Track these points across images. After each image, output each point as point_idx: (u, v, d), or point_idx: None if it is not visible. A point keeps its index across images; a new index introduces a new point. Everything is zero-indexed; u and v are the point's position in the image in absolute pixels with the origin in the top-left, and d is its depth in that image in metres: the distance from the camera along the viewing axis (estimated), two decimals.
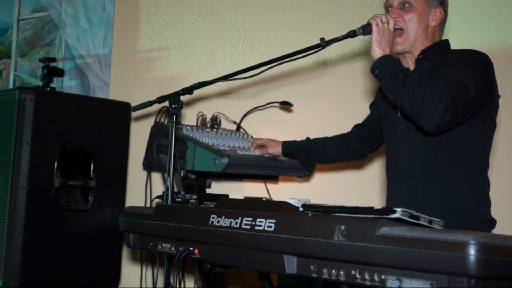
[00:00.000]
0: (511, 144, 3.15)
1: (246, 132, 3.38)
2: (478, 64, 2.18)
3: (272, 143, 2.94)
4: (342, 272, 1.56)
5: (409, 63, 2.37)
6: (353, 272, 1.54)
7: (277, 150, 2.92)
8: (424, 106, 2.02)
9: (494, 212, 2.28)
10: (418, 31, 2.32)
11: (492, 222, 2.24)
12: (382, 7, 2.47)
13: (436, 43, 2.36)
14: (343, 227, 1.56)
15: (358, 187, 3.40)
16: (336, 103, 3.52)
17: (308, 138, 2.91)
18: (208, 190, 3.21)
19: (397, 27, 2.29)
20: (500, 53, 3.03)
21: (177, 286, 3.22)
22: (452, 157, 2.22)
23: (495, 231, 2.22)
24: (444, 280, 1.37)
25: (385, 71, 2.13)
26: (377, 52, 2.18)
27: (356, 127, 2.80)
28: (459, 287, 1.34)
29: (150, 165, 3.11)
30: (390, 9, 2.36)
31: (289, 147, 2.91)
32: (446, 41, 2.40)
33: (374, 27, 2.21)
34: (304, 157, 2.90)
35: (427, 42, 2.35)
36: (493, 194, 2.30)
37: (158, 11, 4.11)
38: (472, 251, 1.32)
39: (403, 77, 2.10)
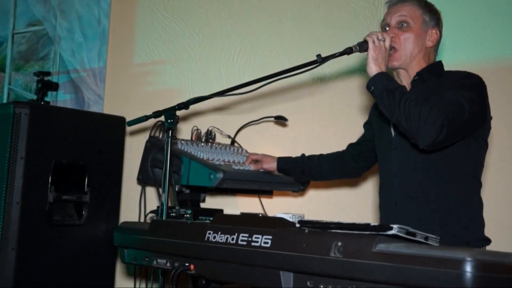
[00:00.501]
0: (502, 164, 3.18)
1: (241, 147, 3.39)
2: (472, 86, 2.20)
3: (267, 159, 2.94)
4: None
5: (403, 82, 2.38)
6: None
7: (272, 165, 2.92)
8: (420, 124, 2.03)
9: (488, 231, 2.29)
10: (415, 50, 2.33)
11: (486, 241, 2.25)
12: (377, 23, 2.49)
13: (431, 65, 2.38)
14: (340, 244, 1.57)
15: (352, 203, 3.40)
16: (331, 119, 3.53)
17: (303, 155, 2.91)
18: (202, 205, 3.21)
19: (394, 46, 2.31)
20: (491, 68, 3.06)
21: None
22: (446, 176, 2.23)
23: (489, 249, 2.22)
24: None
25: (381, 88, 2.14)
26: (374, 69, 2.19)
27: (351, 146, 2.81)
28: None
29: (144, 179, 3.11)
30: (387, 28, 2.37)
31: (284, 163, 2.92)
32: (440, 63, 2.41)
33: (370, 44, 2.22)
34: (299, 174, 2.91)
35: (423, 63, 2.36)
36: (485, 213, 2.32)
37: (153, 25, 4.13)
38: (468, 268, 1.33)
39: (400, 94, 2.11)
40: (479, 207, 2.28)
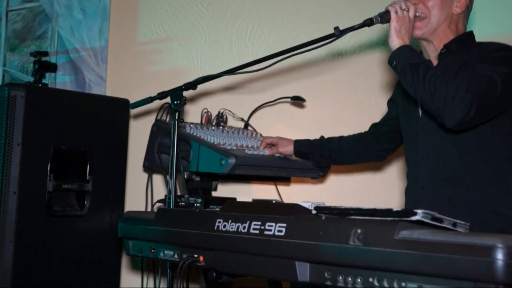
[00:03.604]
0: None
1: (255, 130, 3.39)
2: (506, 59, 2.17)
3: (283, 142, 2.94)
4: (359, 280, 1.57)
5: (431, 55, 2.37)
6: (370, 279, 1.54)
7: (288, 149, 2.92)
8: (447, 101, 2.01)
9: None
10: (441, 18, 2.31)
11: None
12: None
13: (460, 36, 2.36)
14: (359, 231, 1.57)
15: (376, 189, 3.40)
16: (351, 98, 3.52)
17: (322, 137, 2.91)
18: (214, 193, 3.22)
19: (418, 14, 2.30)
20: None
21: None
22: (477, 158, 2.23)
23: None
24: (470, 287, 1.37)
25: (405, 62, 2.13)
26: (396, 42, 2.18)
27: (374, 126, 2.81)
28: None
29: (151, 166, 3.12)
30: None
31: (301, 146, 2.92)
32: (471, 33, 2.39)
33: (393, 15, 2.21)
34: (318, 157, 2.91)
35: (450, 33, 2.34)
36: None
37: (159, 0, 4.13)
38: (500, 256, 1.32)
39: (424, 69, 2.09)
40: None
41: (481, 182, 2.22)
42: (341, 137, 2.86)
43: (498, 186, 2.23)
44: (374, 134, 2.78)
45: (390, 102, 2.74)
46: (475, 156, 2.22)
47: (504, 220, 2.20)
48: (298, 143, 2.92)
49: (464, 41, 2.35)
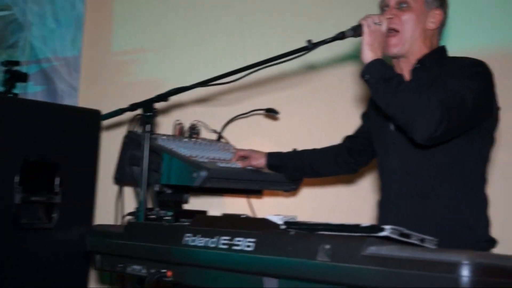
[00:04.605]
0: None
1: (228, 142, 3.38)
2: (478, 74, 2.19)
3: (255, 155, 2.94)
4: None
5: (404, 70, 2.38)
6: None
7: (261, 162, 2.92)
8: (417, 116, 2.03)
9: (495, 232, 2.30)
10: (415, 33, 2.33)
11: (492, 242, 2.26)
12: (377, 5, 2.48)
13: (434, 51, 2.38)
14: (327, 247, 1.57)
15: (349, 202, 3.41)
16: (325, 111, 3.53)
17: (295, 150, 2.92)
18: (185, 206, 3.20)
19: (392, 28, 2.31)
20: (500, 55, 3.07)
21: None
22: (448, 173, 2.25)
23: (496, 251, 2.23)
24: None
25: (377, 76, 2.14)
26: (368, 56, 2.18)
27: (347, 138, 2.82)
28: None
29: (122, 179, 3.09)
30: (386, 8, 2.37)
31: (274, 159, 2.92)
32: (444, 48, 2.42)
33: (365, 29, 2.22)
34: (291, 170, 2.91)
35: (424, 48, 2.36)
36: (492, 212, 2.33)
37: (134, 10, 4.13)
38: (465, 272, 1.32)
39: (396, 83, 2.10)
40: (483, 206, 2.29)
41: (452, 197, 2.24)
42: (314, 150, 2.87)
43: (469, 200, 2.25)
44: (347, 147, 2.79)
45: (364, 116, 2.76)
46: (446, 171, 2.24)
47: (474, 234, 2.23)
48: (270, 156, 2.92)
49: (437, 55, 2.37)
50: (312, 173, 2.93)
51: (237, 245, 1.79)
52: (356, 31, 2.26)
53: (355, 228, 1.60)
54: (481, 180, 2.30)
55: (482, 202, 2.29)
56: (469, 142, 2.22)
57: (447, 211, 2.23)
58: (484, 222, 2.27)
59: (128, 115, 2.88)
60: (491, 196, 2.34)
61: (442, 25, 2.41)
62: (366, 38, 2.21)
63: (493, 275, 1.37)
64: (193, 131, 3.27)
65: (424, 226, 2.01)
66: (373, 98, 2.20)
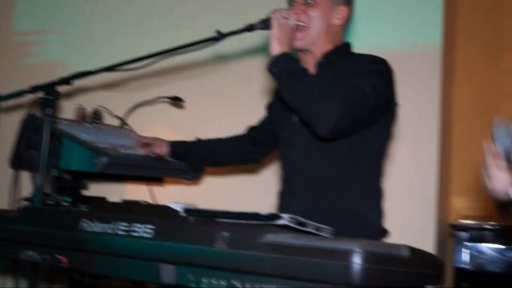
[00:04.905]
0: (408, 153, 3.32)
1: (131, 129, 3.34)
2: (379, 72, 2.25)
3: (158, 142, 2.90)
4: (222, 282, 1.58)
5: (309, 64, 2.41)
6: (233, 281, 1.55)
7: (164, 150, 2.88)
8: (319, 110, 2.07)
9: (389, 223, 2.38)
10: (321, 28, 2.36)
11: (384, 232, 2.33)
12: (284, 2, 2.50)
13: (339, 47, 2.42)
14: (226, 234, 1.58)
15: (251, 192, 3.45)
16: (232, 101, 3.55)
17: (198, 139, 2.91)
18: (85, 192, 3.15)
19: (299, 23, 2.34)
20: (401, 53, 3.17)
21: None
22: (345, 166, 2.29)
23: (388, 241, 2.30)
24: None
25: (283, 69, 2.16)
26: (276, 49, 2.19)
27: (251, 128, 2.82)
28: None
29: (18, 163, 3.00)
30: (293, 3, 2.39)
31: (177, 147, 2.89)
32: (349, 44, 2.46)
33: (274, 22, 2.22)
34: (194, 159, 2.90)
35: (329, 43, 2.40)
36: (388, 204, 2.40)
37: None
38: (356, 260, 1.37)
39: (301, 77, 2.14)
40: (378, 198, 2.36)
41: (348, 188, 2.29)
42: (217, 139, 2.87)
43: (364, 192, 2.31)
44: (250, 137, 2.80)
45: (268, 107, 2.76)
46: (344, 164, 2.29)
47: (368, 225, 2.29)
48: (173, 144, 2.89)
49: (342, 51, 2.42)
50: (214, 162, 2.94)
51: (136, 231, 1.77)
52: (265, 24, 2.27)
53: (254, 216, 1.63)
54: (377, 173, 2.37)
55: (377, 194, 2.36)
56: (367, 137, 2.28)
57: (344, 202, 2.27)
58: (378, 213, 2.34)
59: (28, 98, 2.79)
60: (387, 189, 2.42)
61: (347, 21, 2.45)
62: (274, 31, 2.22)
63: (383, 262, 1.42)
64: (96, 116, 3.21)
65: (322, 216, 2.04)
66: (279, 90, 2.22)
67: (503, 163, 1.82)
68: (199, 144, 2.88)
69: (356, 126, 2.19)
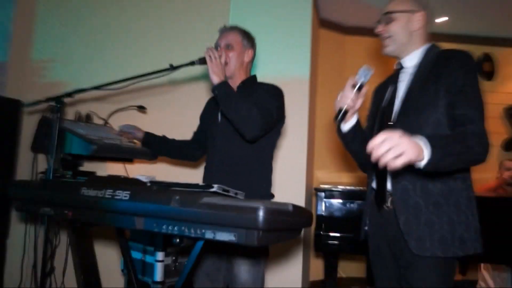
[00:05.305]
0: (288, 145, 3.39)
1: (112, 127, 3.24)
2: (277, 96, 2.27)
3: (138, 129, 2.75)
4: (175, 228, 1.57)
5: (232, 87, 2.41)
6: (183, 228, 1.55)
7: (140, 134, 2.71)
8: (247, 123, 2.08)
9: (278, 189, 2.44)
10: (237, 64, 2.35)
11: (272, 195, 2.35)
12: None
13: (250, 77, 2.41)
14: (178, 197, 1.57)
15: (191, 171, 3.42)
16: (182, 112, 3.50)
17: (164, 136, 2.76)
18: (81, 168, 3.03)
19: (224, 61, 2.32)
20: (282, 82, 3.23)
21: (54, 240, 3.02)
22: (251, 153, 2.29)
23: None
24: (243, 233, 1.43)
25: (222, 93, 2.11)
26: (215, 79, 2.14)
27: (194, 134, 2.70)
28: (252, 237, 1.41)
29: (37, 147, 2.86)
30: (219, 47, 2.37)
31: (149, 137, 2.73)
32: (255, 76, 2.45)
33: (208, 60, 2.18)
34: (156, 148, 2.75)
35: (243, 74, 2.39)
36: (276, 177, 2.45)
37: (53, 26, 3.82)
38: (261, 213, 1.39)
39: (235, 99, 2.11)
40: (270, 174, 2.37)
41: (252, 168, 2.29)
42: (174, 139, 2.74)
43: (262, 170, 2.32)
44: (193, 140, 2.69)
45: (201, 116, 2.68)
46: (250, 151, 2.29)
47: (264, 191, 2.31)
48: (147, 134, 2.73)
49: (252, 80, 2.41)
50: (167, 154, 2.78)
51: (118, 195, 1.72)
52: (202, 61, 2.24)
53: (195, 186, 1.62)
54: (270, 157, 2.38)
55: (269, 171, 2.37)
56: (267, 136, 2.30)
57: (249, 177, 2.27)
58: (269, 183, 2.35)
59: (43, 105, 2.64)
60: (276, 167, 2.46)
61: (253, 59, 2.44)
62: (211, 67, 2.15)
63: (277, 214, 1.45)
64: (88, 118, 3.11)
65: (236, 185, 2.04)
66: (221, 107, 2.15)
67: (353, 87, 1.82)
68: (163, 139, 2.75)
69: (266, 132, 2.22)
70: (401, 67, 1.94)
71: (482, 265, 3.99)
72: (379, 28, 1.94)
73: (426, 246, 1.72)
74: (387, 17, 1.91)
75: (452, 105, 1.72)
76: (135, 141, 2.87)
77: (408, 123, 1.77)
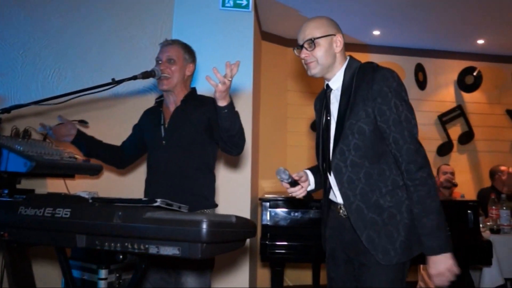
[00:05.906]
0: (234, 157, 3.43)
1: (52, 142, 3.13)
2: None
3: (74, 126, 2.54)
4: (118, 244, 1.54)
5: (171, 101, 2.39)
6: (126, 244, 1.53)
7: (74, 131, 2.51)
8: (243, 138, 2.20)
9: (222, 199, 2.45)
10: (179, 79, 2.36)
11: (216, 205, 2.36)
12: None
13: (192, 90, 2.43)
14: (120, 213, 1.55)
15: (127, 184, 3.38)
16: (121, 124, 3.44)
17: (101, 141, 2.61)
18: (18, 186, 2.91)
19: (166, 75, 2.33)
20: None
21: None
22: (195, 163, 2.30)
23: (217, 211, 2.36)
24: (187, 246, 1.43)
25: (233, 112, 2.11)
26: (225, 101, 2.06)
27: (123, 143, 2.61)
28: (196, 250, 1.42)
29: None
30: (160, 62, 2.36)
31: (81, 135, 2.52)
32: (195, 89, 2.47)
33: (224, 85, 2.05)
34: (88, 149, 2.54)
35: (184, 88, 2.40)
36: (220, 187, 2.48)
37: None
38: (204, 226, 1.40)
39: (238, 116, 2.16)
40: (213, 184, 2.39)
41: (196, 178, 2.30)
42: (105, 143, 2.60)
43: (205, 180, 2.34)
44: (123, 147, 2.59)
45: (135, 126, 2.59)
46: (196, 164, 2.30)
47: (208, 202, 2.32)
48: (79, 132, 2.53)
49: (193, 93, 2.43)
50: (98, 156, 2.58)
51: (58, 213, 1.67)
52: (144, 75, 2.24)
53: (138, 201, 1.60)
54: (213, 167, 2.41)
55: (213, 181, 2.38)
56: (211, 146, 2.35)
57: (193, 188, 2.27)
58: (212, 194, 2.37)
59: None
60: (221, 177, 2.49)
61: (193, 73, 2.45)
62: (218, 92, 2.03)
63: (220, 226, 1.46)
64: (26, 133, 2.99)
65: (180, 197, 2.03)
66: (224, 123, 2.11)
67: (289, 184, 1.99)
68: (93, 139, 2.57)
69: None
70: (329, 89, 1.99)
71: (421, 266, 4.17)
72: (304, 54, 1.93)
73: (391, 256, 1.79)
74: (309, 43, 1.92)
75: (381, 128, 1.81)
76: (76, 156, 2.80)
77: (344, 145, 1.87)
